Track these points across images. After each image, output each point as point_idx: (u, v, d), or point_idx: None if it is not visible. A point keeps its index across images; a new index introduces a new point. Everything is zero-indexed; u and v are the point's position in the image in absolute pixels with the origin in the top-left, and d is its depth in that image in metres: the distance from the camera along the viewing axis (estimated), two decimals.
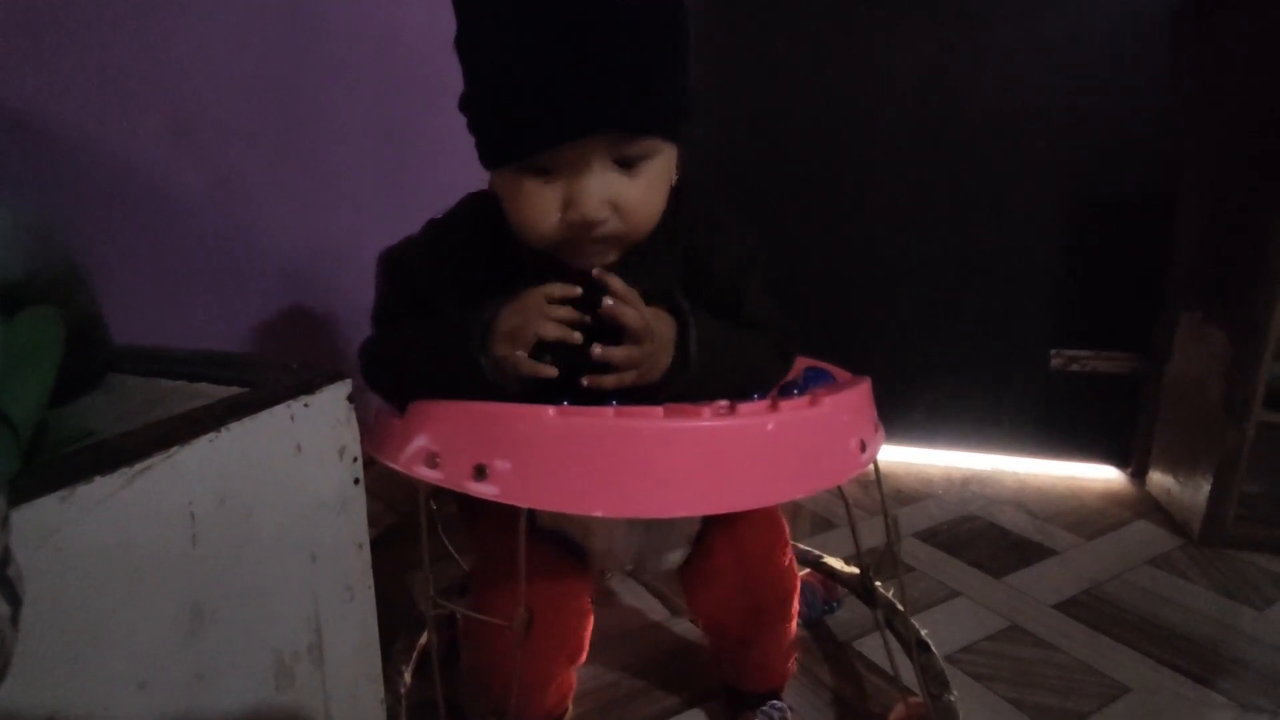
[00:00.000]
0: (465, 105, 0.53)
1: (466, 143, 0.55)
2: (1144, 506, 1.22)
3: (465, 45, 0.51)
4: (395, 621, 0.72)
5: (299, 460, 0.45)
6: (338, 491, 0.48)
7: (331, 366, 0.48)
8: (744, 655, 0.69)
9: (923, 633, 0.76)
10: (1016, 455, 1.38)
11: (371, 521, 0.52)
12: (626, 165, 0.51)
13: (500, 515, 0.55)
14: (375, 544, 0.52)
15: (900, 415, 1.41)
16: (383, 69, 1.07)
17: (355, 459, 0.49)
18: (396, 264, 0.60)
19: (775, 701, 0.69)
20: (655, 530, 0.64)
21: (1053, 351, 1.33)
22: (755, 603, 0.64)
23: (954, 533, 1.13)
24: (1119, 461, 1.34)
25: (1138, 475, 1.31)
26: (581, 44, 0.45)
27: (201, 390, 0.45)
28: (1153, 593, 0.97)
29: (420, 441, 0.50)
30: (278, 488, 0.44)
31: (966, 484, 1.31)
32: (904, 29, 1.27)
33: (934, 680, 0.70)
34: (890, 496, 1.26)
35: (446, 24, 0.53)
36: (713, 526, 0.65)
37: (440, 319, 0.56)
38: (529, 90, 0.46)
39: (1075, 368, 1.33)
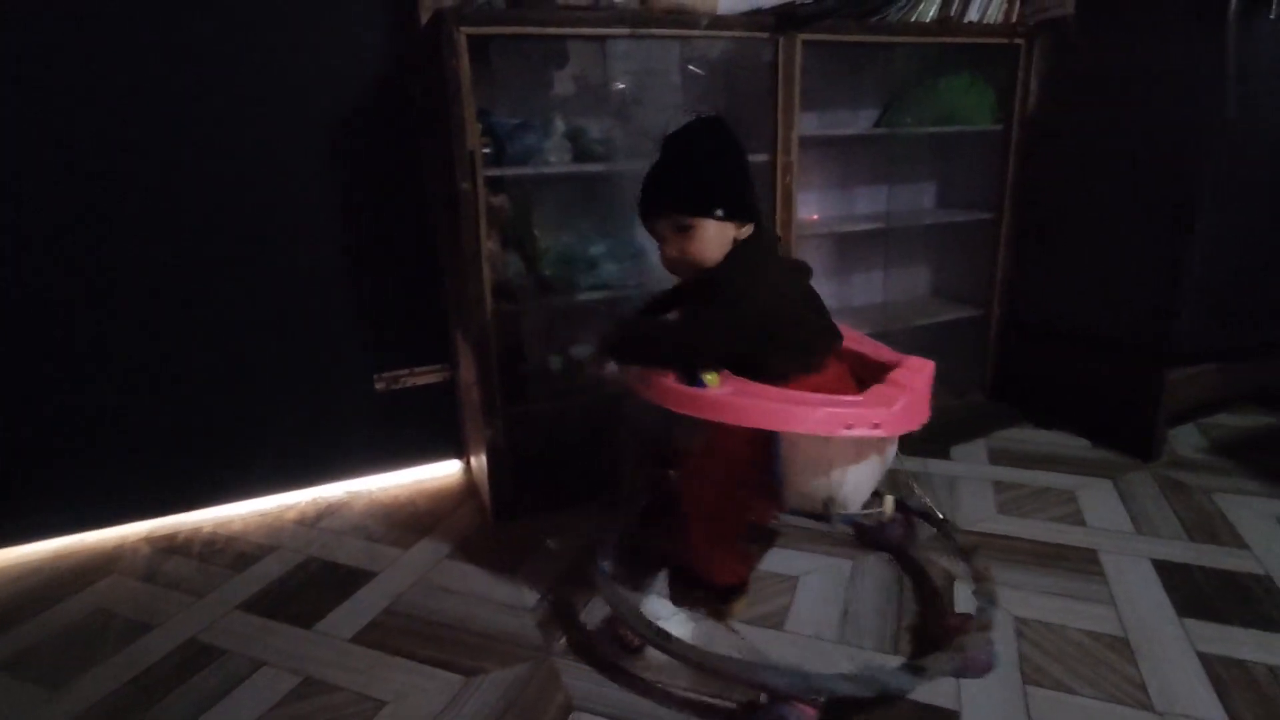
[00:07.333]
0: None
1: None
2: (468, 493, 1.43)
3: None
4: None
5: None
6: None
7: None
8: None
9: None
10: (365, 476, 1.48)
11: None
12: (682, 230, 0.88)
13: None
14: None
15: (244, 472, 1.37)
16: None
17: None
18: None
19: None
20: None
21: (375, 376, 1.43)
22: None
23: (284, 588, 1.15)
24: (456, 454, 1.54)
25: (467, 466, 1.52)
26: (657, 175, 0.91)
27: None
28: (441, 588, 1.13)
29: None
30: None
31: (319, 520, 1.35)
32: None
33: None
34: (232, 559, 1.22)
35: None
36: None
37: None
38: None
39: (397, 386, 1.46)
